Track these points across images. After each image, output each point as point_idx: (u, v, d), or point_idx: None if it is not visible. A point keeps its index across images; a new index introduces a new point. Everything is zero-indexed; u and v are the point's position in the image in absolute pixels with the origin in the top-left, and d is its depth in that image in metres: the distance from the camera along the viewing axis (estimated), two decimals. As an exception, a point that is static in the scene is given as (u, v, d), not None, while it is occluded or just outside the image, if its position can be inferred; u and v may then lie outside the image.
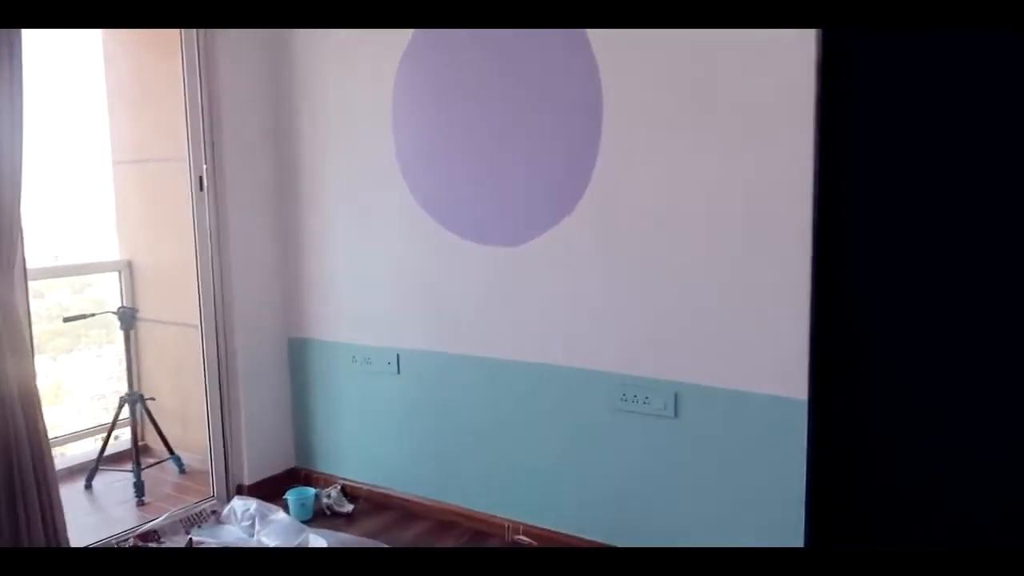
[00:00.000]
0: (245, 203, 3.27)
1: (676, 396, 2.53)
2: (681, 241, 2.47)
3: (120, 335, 3.60)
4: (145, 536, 2.92)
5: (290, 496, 3.16)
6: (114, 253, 4.02)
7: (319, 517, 3.19)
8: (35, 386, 2.47)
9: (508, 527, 2.94)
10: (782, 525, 2.37)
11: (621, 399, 2.63)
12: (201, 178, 3.17)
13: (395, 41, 2.97)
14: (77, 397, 4.54)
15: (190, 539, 2.91)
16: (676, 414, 2.54)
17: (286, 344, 3.50)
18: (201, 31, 3.10)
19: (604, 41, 2.52)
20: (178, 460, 3.72)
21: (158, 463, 3.68)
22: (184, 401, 3.89)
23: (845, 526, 2.35)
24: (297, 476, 3.54)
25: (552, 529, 2.84)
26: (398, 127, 3.02)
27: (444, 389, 3.05)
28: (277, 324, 3.45)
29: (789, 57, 2.21)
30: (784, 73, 2.23)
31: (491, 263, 2.87)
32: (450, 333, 3.01)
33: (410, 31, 2.92)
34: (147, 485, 3.43)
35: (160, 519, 3.01)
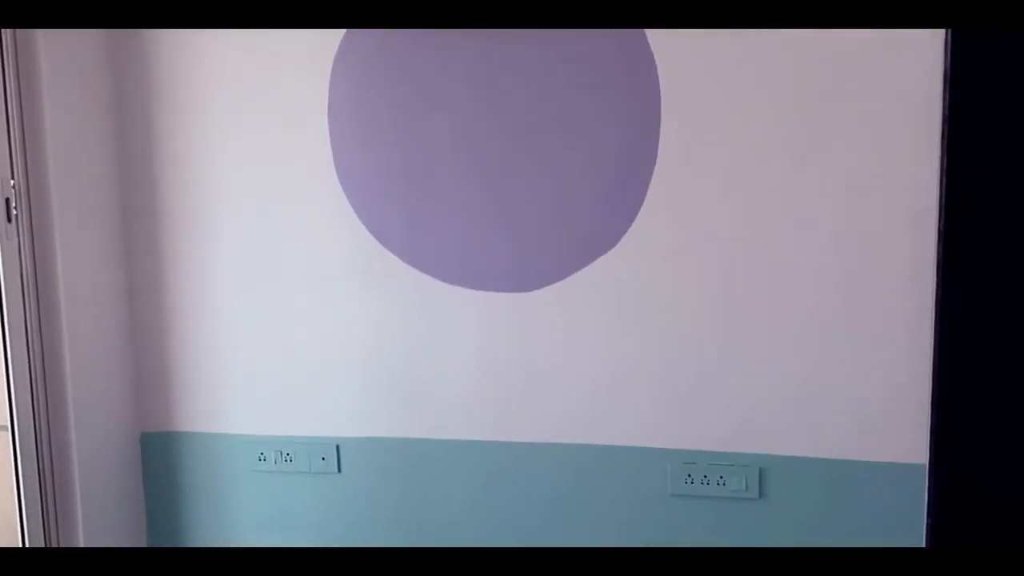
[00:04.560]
0: (79, 241, 2.14)
1: (761, 472, 2.05)
2: (767, 281, 1.99)
3: None
4: None
5: (186, 677, 2.11)
6: None
7: None
8: None
9: (520, 662, 2.22)
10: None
11: (685, 481, 2.08)
12: (8, 202, 2.00)
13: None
14: None
15: None
16: (761, 494, 2.05)
17: (137, 444, 2.38)
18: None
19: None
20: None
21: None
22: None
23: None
24: (160, 633, 2.43)
25: (587, 657, 2.19)
26: (338, 130, 2.14)
27: (414, 489, 2.23)
28: (122, 414, 2.33)
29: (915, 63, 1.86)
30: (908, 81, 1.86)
31: (488, 314, 2.13)
32: (423, 412, 2.19)
33: (361, -4, 2.08)
34: None
35: None
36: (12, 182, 1.99)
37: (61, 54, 2.06)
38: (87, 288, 2.17)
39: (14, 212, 2.00)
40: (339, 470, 2.26)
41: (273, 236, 2.21)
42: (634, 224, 2.03)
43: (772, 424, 2.03)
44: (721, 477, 2.06)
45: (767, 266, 1.99)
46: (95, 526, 2.21)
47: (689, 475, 2.08)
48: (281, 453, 2.28)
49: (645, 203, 2.01)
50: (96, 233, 2.21)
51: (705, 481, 2.07)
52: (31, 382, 2.06)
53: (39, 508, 2.11)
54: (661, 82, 1.96)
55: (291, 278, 2.21)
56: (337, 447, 2.25)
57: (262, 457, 2.30)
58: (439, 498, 2.22)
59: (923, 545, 1.98)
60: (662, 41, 1.95)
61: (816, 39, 1.87)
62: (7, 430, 2.06)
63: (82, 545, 2.16)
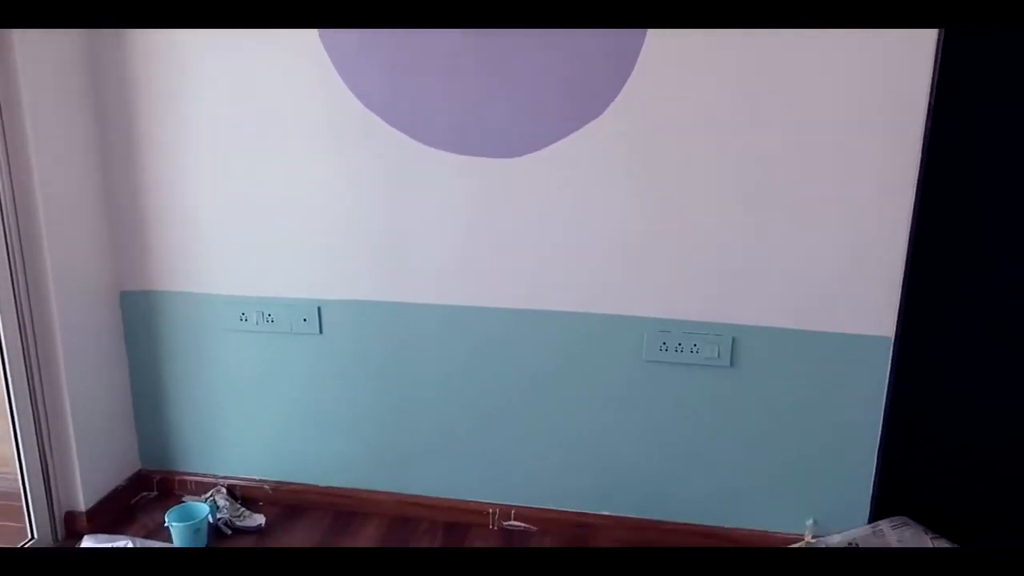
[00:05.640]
0: (48, 96, 2.05)
1: (733, 341, 2.11)
2: (748, 157, 1.97)
3: None
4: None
5: (174, 521, 2.19)
6: None
7: (215, 540, 2.29)
8: None
9: (494, 513, 2.34)
10: (851, 478, 2.13)
11: (660, 349, 2.14)
12: (-31, 44, 1.89)
13: None
14: None
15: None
16: (732, 363, 2.13)
17: (117, 302, 2.38)
18: None
19: None
20: (-71, 484, 2.45)
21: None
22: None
23: (919, 467, 2.17)
24: (147, 483, 2.52)
25: (558, 508, 2.32)
26: (317, -20, 2.03)
27: (394, 351, 2.27)
28: (101, 273, 2.31)
29: None
30: None
31: (472, 180, 2.11)
32: (405, 276, 2.21)
33: None
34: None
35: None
36: (-29, 23, 1.88)
37: None
38: (59, 145, 2.10)
39: (-25, 56, 1.90)
40: (320, 331, 2.29)
41: (254, 96, 2.14)
42: (621, 93, 1.99)
43: (746, 295, 2.07)
44: (695, 345, 2.12)
45: (748, 139, 1.97)
46: (79, 382, 2.23)
47: (664, 343, 2.13)
48: (263, 314, 2.30)
49: (634, 72, 1.96)
50: (67, 88, 2.12)
51: (679, 349, 2.13)
52: (5, 239, 2.02)
53: (23, 366, 2.11)
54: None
55: (273, 138, 2.16)
56: (319, 309, 2.27)
57: (243, 317, 2.31)
58: (418, 361, 2.27)
59: (881, 413, 2.08)
60: None
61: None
62: (-16, 285, 2.04)
63: (67, 402, 2.20)
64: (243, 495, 2.46)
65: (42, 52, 2.02)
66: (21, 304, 2.09)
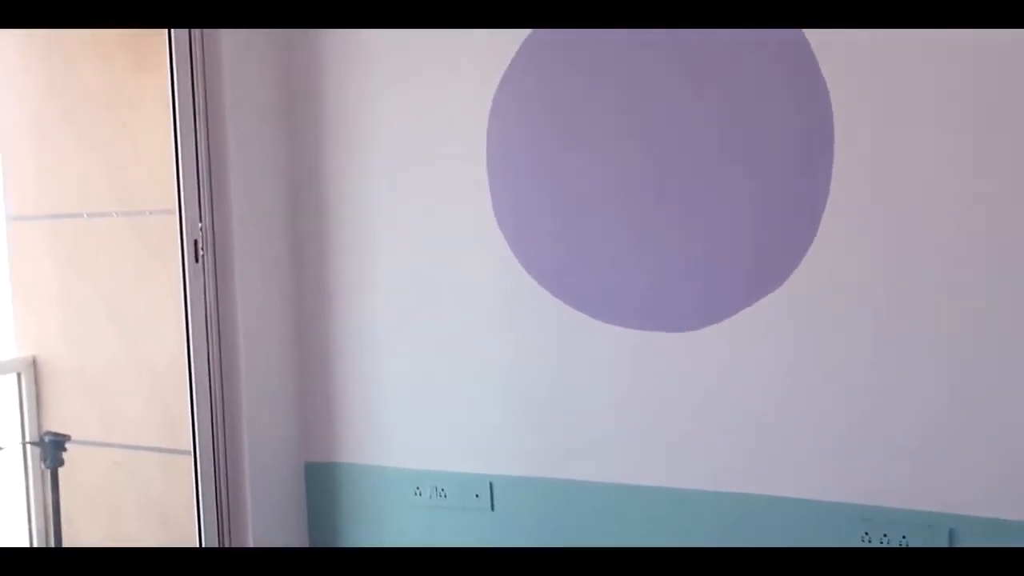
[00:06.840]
0: (255, 283, 2.28)
1: (950, 533, 1.86)
2: (951, 314, 1.81)
3: (32, 475, 2.43)
4: None
5: None
6: (8, 347, 2.81)
7: None
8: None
9: None
10: None
11: (862, 539, 1.92)
12: (196, 244, 2.16)
13: (493, 51, 2.15)
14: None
15: None
16: (951, 559, 1.87)
17: (302, 472, 2.49)
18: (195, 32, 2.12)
19: (833, 49, 1.86)
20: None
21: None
22: (124, 555, 2.75)
23: None
24: (320, 659, 2.51)
25: None
26: (495, 168, 2.17)
27: (568, 532, 2.19)
28: (289, 444, 2.44)
29: None
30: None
31: (643, 355, 2.07)
32: (578, 453, 2.16)
33: (520, 34, 2.11)
34: None
35: None
36: (200, 225, 2.15)
37: (243, 116, 2.22)
38: (262, 326, 2.31)
39: (201, 253, 2.15)
40: (492, 508, 2.26)
41: (432, 276, 2.26)
42: (803, 262, 1.92)
43: (965, 478, 1.83)
44: (903, 537, 1.88)
45: (948, 306, 1.82)
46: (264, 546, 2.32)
47: (866, 533, 1.91)
48: (436, 488, 2.31)
49: (816, 239, 1.90)
50: (270, 276, 2.35)
51: (885, 541, 1.90)
52: (211, 412, 2.20)
53: (216, 529, 2.24)
54: (834, 109, 1.85)
55: (449, 315, 2.25)
56: (491, 484, 2.25)
57: (418, 491, 2.33)
58: (592, 541, 2.16)
59: None
60: (834, 65, 1.85)
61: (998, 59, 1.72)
62: (191, 455, 2.21)
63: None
64: None
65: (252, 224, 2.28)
66: (219, 473, 2.24)
